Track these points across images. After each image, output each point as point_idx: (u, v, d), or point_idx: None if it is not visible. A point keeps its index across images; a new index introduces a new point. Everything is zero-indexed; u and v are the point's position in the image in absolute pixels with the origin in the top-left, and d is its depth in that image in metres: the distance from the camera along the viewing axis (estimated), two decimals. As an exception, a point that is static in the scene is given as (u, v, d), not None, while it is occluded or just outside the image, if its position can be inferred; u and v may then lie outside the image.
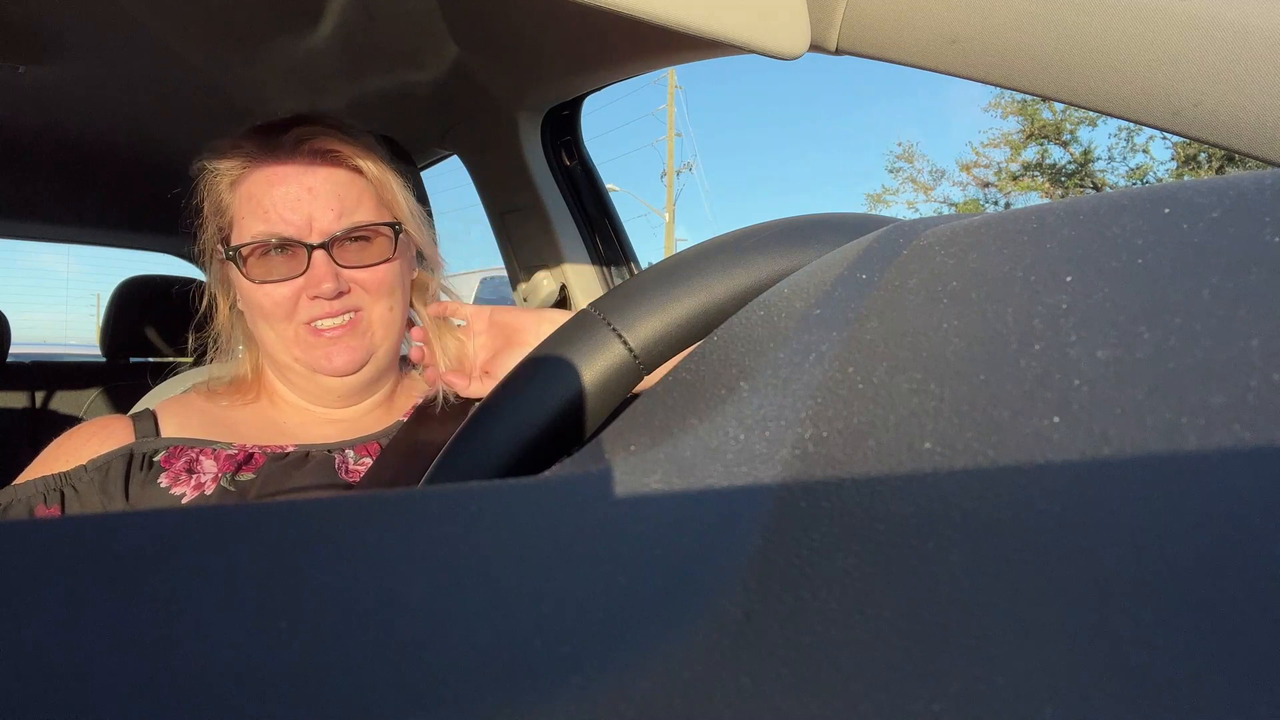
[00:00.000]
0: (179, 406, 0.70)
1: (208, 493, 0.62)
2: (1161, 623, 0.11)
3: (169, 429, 0.68)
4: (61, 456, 0.65)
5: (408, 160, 0.91)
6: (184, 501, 0.61)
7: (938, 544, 0.14)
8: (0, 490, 0.63)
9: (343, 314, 0.66)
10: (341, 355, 0.67)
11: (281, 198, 0.64)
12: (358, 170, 0.67)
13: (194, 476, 0.63)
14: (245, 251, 0.65)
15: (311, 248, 0.64)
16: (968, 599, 0.13)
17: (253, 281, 0.65)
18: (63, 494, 0.62)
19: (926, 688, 0.12)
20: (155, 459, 0.63)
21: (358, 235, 0.66)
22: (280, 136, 0.65)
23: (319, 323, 0.66)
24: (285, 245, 0.64)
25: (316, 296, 0.65)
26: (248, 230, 0.65)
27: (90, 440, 0.66)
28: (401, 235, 0.68)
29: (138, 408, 0.75)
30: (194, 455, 0.64)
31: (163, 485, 0.62)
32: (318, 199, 0.64)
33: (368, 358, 0.68)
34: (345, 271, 0.66)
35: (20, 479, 0.64)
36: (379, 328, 0.69)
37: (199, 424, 0.68)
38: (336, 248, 0.65)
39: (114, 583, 0.14)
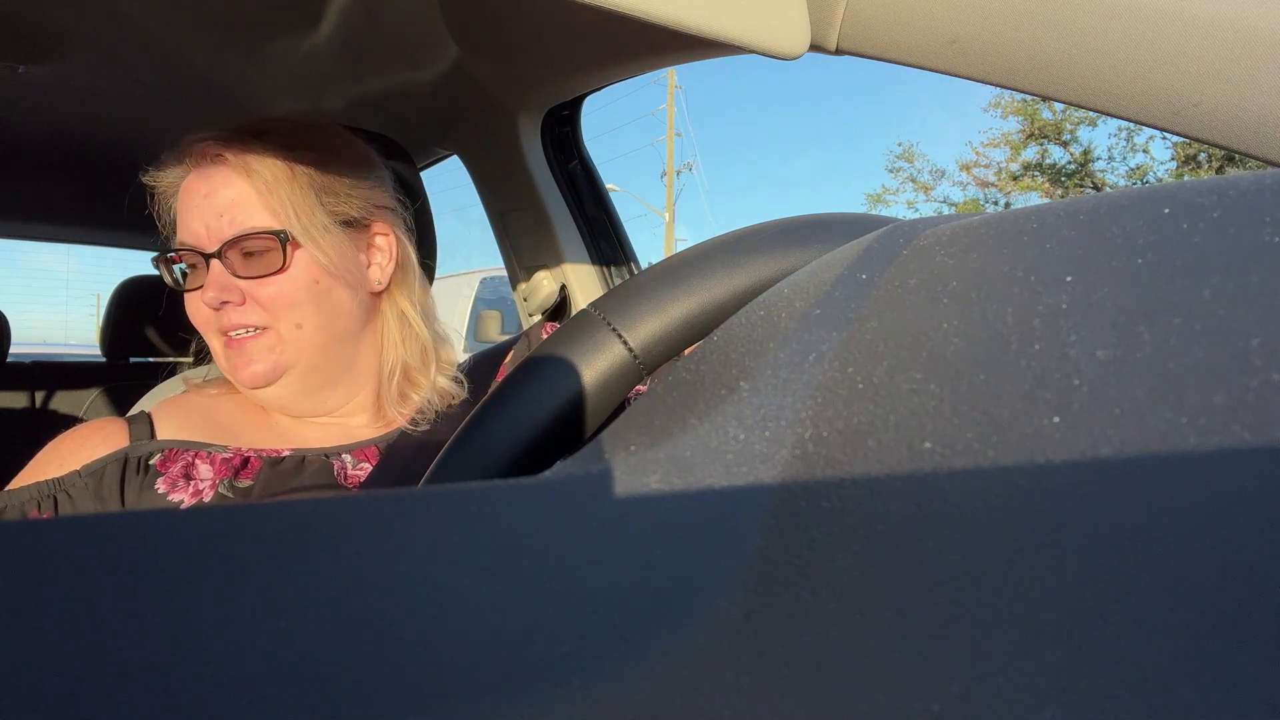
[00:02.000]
0: (174, 408, 0.70)
1: (206, 499, 0.62)
2: (1161, 623, 0.11)
3: (165, 431, 0.67)
4: (55, 461, 0.64)
5: (407, 160, 0.91)
6: (183, 508, 0.61)
7: (938, 544, 0.14)
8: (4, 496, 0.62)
9: (241, 327, 0.64)
10: (245, 368, 0.65)
11: (186, 206, 0.65)
12: (247, 175, 0.64)
13: (191, 483, 0.62)
14: (161, 261, 0.67)
15: (208, 256, 0.64)
16: (968, 599, 0.13)
17: (181, 291, 0.67)
18: (56, 500, 0.61)
19: (926, 688, 0.12)
20: (150, 462, 0.63)
21: (246, 246, 0.63)
22: (188, 145, 0.66)
23: (233, 332, 0.65)
24: (188, 254, 0.65)
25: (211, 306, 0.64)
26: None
27: (84, 444, 0.65)
28: (289, 246, 0.63)
29: (134, 410, 0.75)
30: (190, 459, 0.64)
31: (160, 491, 0.62)
32: (212, 205, 0.63)
33: (279, 372, 0.66)
34: (242, 283, 0.64)
35: (14, 484, 0.63)
36: (290, 346, 0.65)
37: (195, 425, 0.68)
38: (230, 257, 0.63)
39: (114, 583, 0.14)
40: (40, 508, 0.61)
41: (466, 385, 0.75)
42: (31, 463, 0.65)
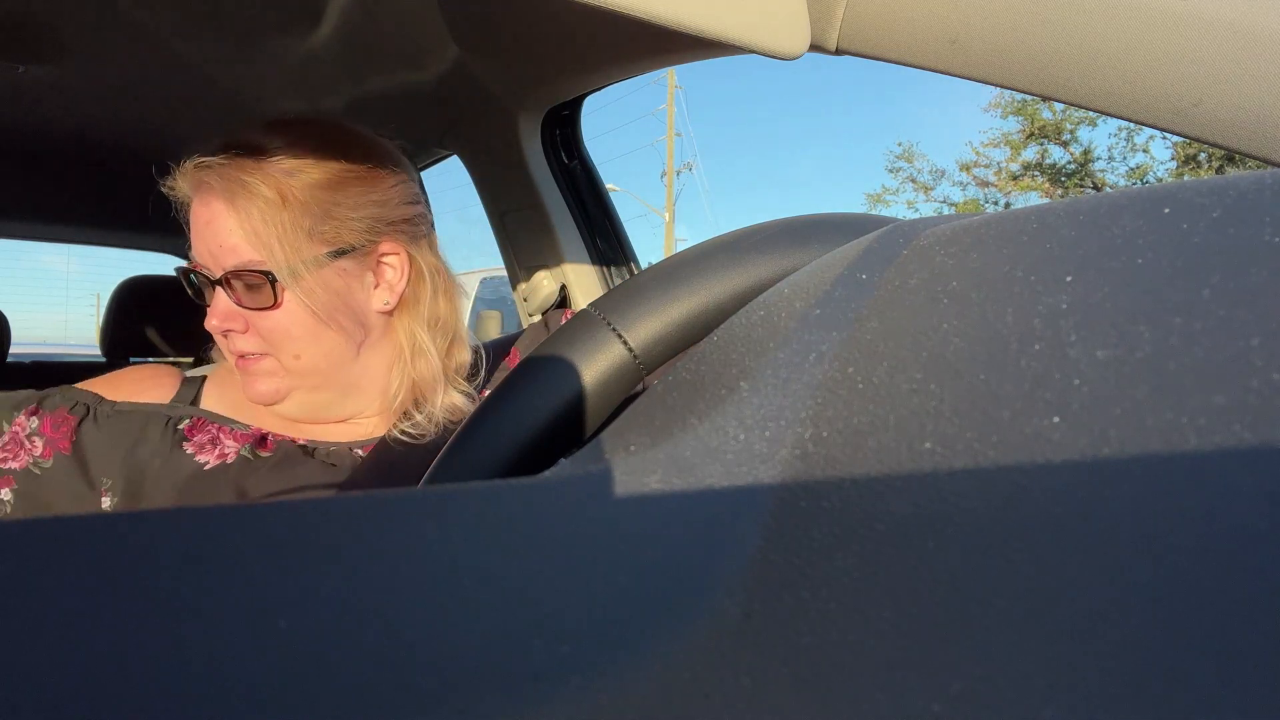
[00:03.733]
0: (224, 378, 0.73)
1: (230, 460, 0.65)
2: (1161, 623, 0.11)
3: (209, 399, 0.71)
4: (110, 384, 0.69)
5: (407, 160, 0.91)
6: (206, 469, 0.65)
7: (938, 544, 0.14)
8: (63, 387, 0.68)
9: (246, 352, 0.66)
10: (252, 386, 0.66)
11: (194, 228, 0.65)
12: (234, 209, 0.63)
13: (217, 448, 0.66)
14: (183, 272, 0.68)
15: (215, 282, 0.64)
16: (968, 599, 0.13)
17: (202, 304, 0.68)
18: (89, 409, 0.66)
19: (926, 688, 0.12)
20: (180, 426, 0.66)
21: (244, 278, 0.63)
22: (187, 167, 0.65)
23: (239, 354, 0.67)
24: (200, 275, 0.66)
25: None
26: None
27: (142, 383, 0.70)
28: (279, 286, 0.63)
29: (199, 371, 0.76)
30: (215, 432, 0.67)
31: (189, 452, 0.65)
32: (213, 234, 0.63)
33: (283, 394, 0.67)
34: (245, 312, 0.64)
35: (81, 385, 0.68)
36: (293, 374, 0.66)
37: (231, 402, 0.71)
38: (234, 285, 0.63)
39: (114, 582, 0.14)
40: (73, 410, 0.65)
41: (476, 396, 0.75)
42: (102, 377, 0.71)
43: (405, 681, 0.13)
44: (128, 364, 1.82)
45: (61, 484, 0.63)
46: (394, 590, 0.15)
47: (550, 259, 1.25)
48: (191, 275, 0.67)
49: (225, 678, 0.12)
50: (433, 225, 0.74)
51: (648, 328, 0.32)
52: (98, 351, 1.84)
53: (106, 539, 0.15)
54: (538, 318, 1.29)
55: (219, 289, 0.64)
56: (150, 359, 1.86)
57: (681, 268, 0.33)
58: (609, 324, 0.32)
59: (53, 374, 1.82)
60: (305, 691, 0.12)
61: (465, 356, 0.75)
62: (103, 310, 1.83)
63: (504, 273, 1.39)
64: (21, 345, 2.17)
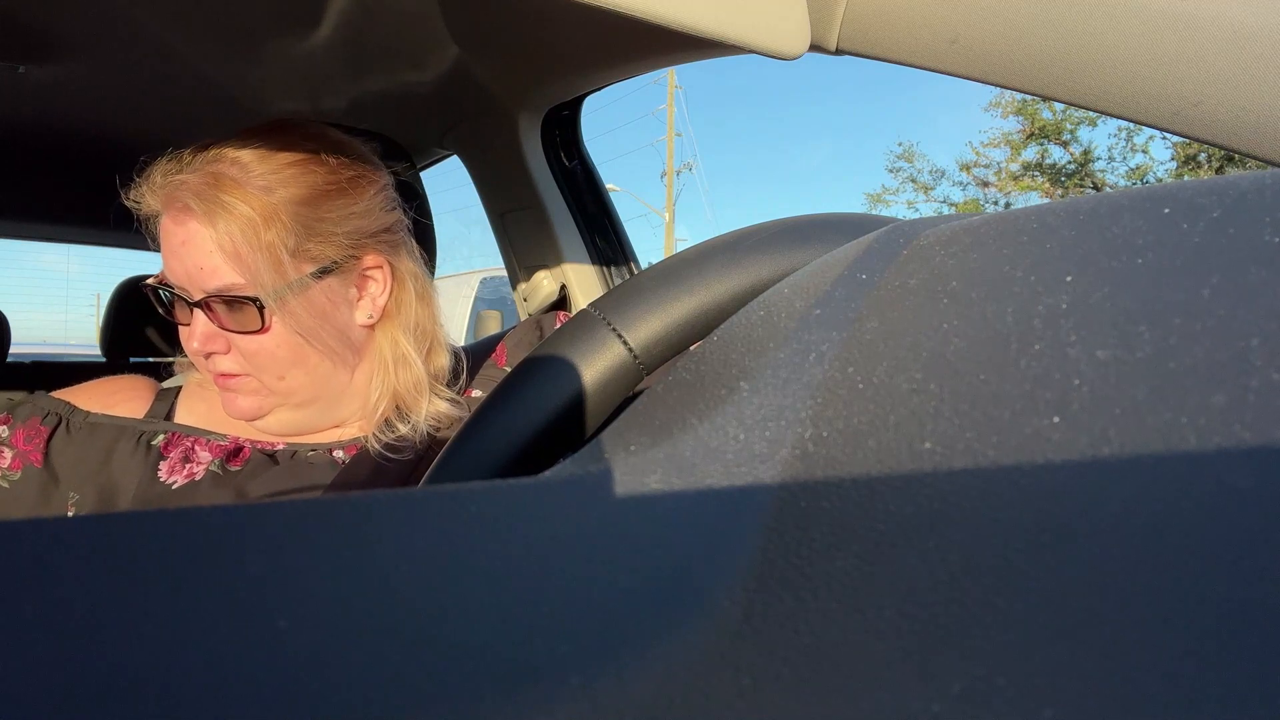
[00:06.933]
0: (197, 390, 0.71)
1: (198, 478, 0.64)
2: (1161, 623, 0.11)
3: (181, 412, 0.69)
4: (86, 394, 0.68)
5: (407, 160, 0.91)
6: (174, 488, 0.63)
7: (938, 544, 0.14)
8: (36, 394, 0.68)
9: (225, 372, 0.64)
10: (233, 404, 0.65)
11: (166, 246, 0.63)
12: (214, 231, 0.60)
13: (188, 466, 0.64)
14: (148, 289, 0.66)
15: (192, 304, 0.62)
16: (968, 599, 0.13)
17: (173, 321, 0.66)
18: (62, 419, 0.65)
19: (926, 688, 0.12)
20: (154, 443, 0.65)
21: (225, 301, 0.61)
22: (160, 183, 0.62)
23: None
24: (176, 295, 0.64)
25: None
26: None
27: (115, 395, 0.68)
28: (265, 311, 0.61)
29: (174, 381, 0.75)
30: (190, 445, 0.66)
31: (161, 477, 0.64)
32: (190, 256, 0.60)
33: (265, 411, 0.66)
34: (227, 333, 0.62)
35: (56, 393, 0.68)
36: (276, 394, 0.65)
37: (204, 412, 0.70)
38: (215, 308, 0.61)
39: (113, 583, 0.14)
40: (45, 420, 0.65)
41: (466, 405, 0.74)
42: (76, 386, 0.69)
43: (405, 681, 0.13)
44: (128, 364, 1.83)
45: (28, 497, 0.62)
46: (394, 590, 0.15)
47: (550, 259, 1.25)
48: (161, 292, 0.65)
49: (224, 678, 0.12)
50: (410, 228, 0.73)
51: (648, 328, 0.32)
52: (98, 351, 1.85)
53: (107, 539, 0.15)
54: (536, 318, 1.29)
55: (198, 310, 0.62)
56: (150, 359, 1.86)
57: (681, 268, 0.33)
58: (609, 324, 0.32)
59: (53, 374, 1.82)
60: (305, 692, 0.12)
61: (444, 360, 0.74)
62: (103, 310, 1.83)
63: (504, 273, 1.39)
64: (22, 345, 2.17)
